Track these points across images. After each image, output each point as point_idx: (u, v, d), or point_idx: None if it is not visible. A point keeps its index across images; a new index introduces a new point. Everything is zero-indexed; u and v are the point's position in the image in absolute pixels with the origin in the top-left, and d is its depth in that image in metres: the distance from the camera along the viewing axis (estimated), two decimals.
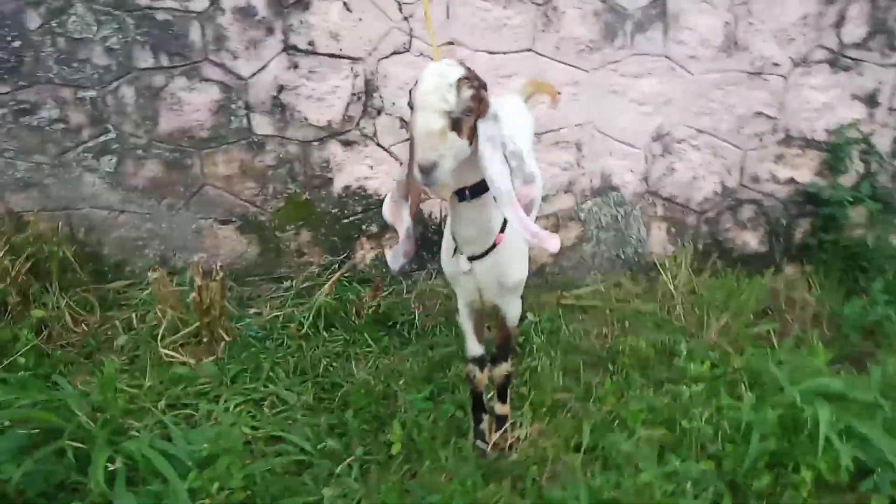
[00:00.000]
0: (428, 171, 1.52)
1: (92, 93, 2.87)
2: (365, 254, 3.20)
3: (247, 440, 2.15)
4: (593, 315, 3.07)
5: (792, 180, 3.41)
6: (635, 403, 2.30)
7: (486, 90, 1.65)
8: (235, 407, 2.32)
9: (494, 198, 1.64)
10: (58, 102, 2.88)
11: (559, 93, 2.70)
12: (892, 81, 3.32)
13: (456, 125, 1.55)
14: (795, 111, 3.29)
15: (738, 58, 3.16)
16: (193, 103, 2.91)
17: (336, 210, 3.12)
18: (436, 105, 1.52)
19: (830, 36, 3.20)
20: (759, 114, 3.26)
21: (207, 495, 1.76)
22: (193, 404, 2.30)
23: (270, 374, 2.52)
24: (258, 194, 3.09)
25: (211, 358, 2.58)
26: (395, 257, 1.85)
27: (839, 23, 3.18)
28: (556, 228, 3.32)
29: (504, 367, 2.18)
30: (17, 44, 2.79)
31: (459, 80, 1.55)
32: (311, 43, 2.88)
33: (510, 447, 2.23)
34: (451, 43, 2.94)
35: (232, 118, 2.95)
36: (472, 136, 1.63)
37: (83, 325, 2.77)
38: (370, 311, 2.85)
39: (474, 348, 2.17)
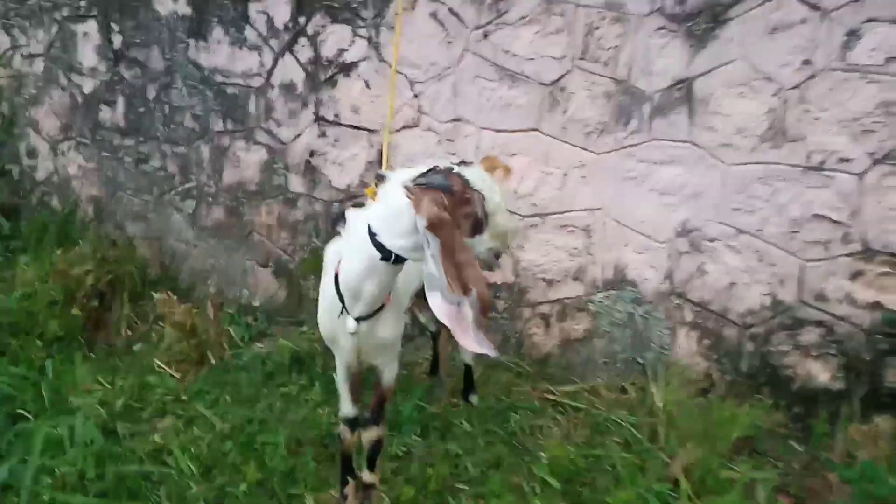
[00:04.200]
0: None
1: (182, 149, 3.59)
2: None
3: (155, 447, 2.45)
4: (571, 417, 2.77)
5: (878, 305, 2.68)
6: None
7: None
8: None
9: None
10: (161, 155, 3.66)
11: (509, 168, 2.62)
12: None
13: None
14: (877, 219, 2.62)
15: (789, 149, 2.66)
16: (247, 161, 3.45)
17: None
18: None
19: None
20: (820, 217, 2.67)
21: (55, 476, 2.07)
22: (140, 407, 2.69)
23: (223, 398, 2.80)
24: (290, 244, 3.48)
25: (191, 377, 2.96)
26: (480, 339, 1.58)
27: None
28: (562, 317, 3.09)
29: (374, 432, 2.13)
30: (141, 109, 3.64)
31: None
32: (336, 115, 3.23)
33: None
34: (457, 120, 3.04)
35: (274, 176, 3.42)
36: None
37: (133, 331, 3.39)
38: None
39: (348, 409, 2.18)
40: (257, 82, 3.34)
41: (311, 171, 3.34)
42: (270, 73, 3.31)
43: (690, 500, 2.17)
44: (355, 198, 3.29)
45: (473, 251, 1.63)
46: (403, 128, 3.13)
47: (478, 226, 1.65)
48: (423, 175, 1.62)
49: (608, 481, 2.26)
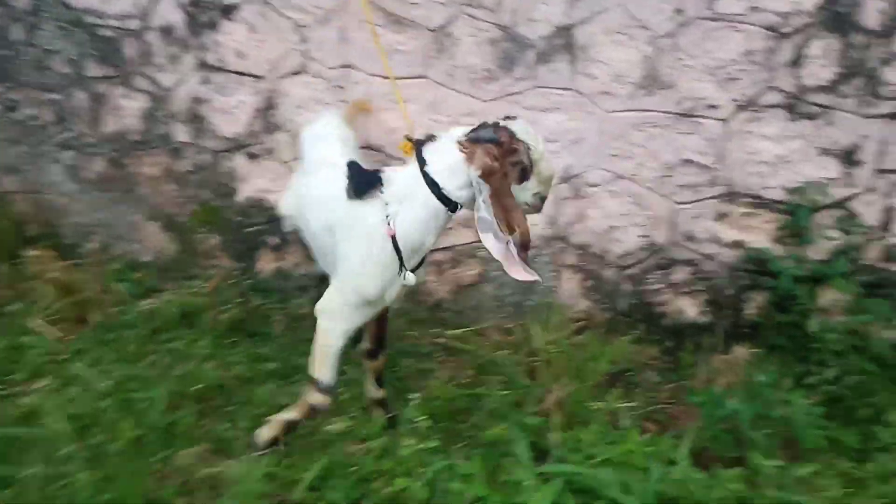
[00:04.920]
0: None
1: (57, 96, 3.36)
2: (265, 264, 3.31)
3: (28, 409, 2.36)
4: (458, 359, 2.86)
5: (739, 244, 2.88)
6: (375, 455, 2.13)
7: None
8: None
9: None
10: (33, 102, 3.41)
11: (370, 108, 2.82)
12: (879, 136, 2.68)
13: None
14: (740, 163, 2.79)
15: (662, 96, 2.77)
16: (128, 109, 3.28)
17: (240, 218, 3.29)
18: None
19: (786, 77, 2.68)
20: (690, 162, 2.82)
21: None
22: (13, 370, 2.58)
23: (105, 356, 2.73)
24: (178, 196, 3.36)
25: (72, 336, 2.86)
26: (527, 269, 1.82)
27: (797, 62, 2.66)
28: (454, 263, 3.16)
29: (383, 357, 2.41)
30: (7, 52, 3.37)
31: None
32: (220, 60, 3.10)
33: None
34: (346, 66, 2.98)
35: (157, 125, 3.26)
36: None
37: (12, 291, 3.22)
38: (227, 317, 2.95)
39: (333, 377, 2.17)
40: (134, 24, 3.15)
41: (196, 120, 3.22)
42: (148, 14, 3.12)
43: (561, 430, 2.30)
44: (244, 147, 3.20)
45: (522, 196, 1.87)
46: (291, 74, 3.04)
47: (525, 173, 1.85)
48: (473, 131, 1.86)
49: (485, 417, 2.37)
